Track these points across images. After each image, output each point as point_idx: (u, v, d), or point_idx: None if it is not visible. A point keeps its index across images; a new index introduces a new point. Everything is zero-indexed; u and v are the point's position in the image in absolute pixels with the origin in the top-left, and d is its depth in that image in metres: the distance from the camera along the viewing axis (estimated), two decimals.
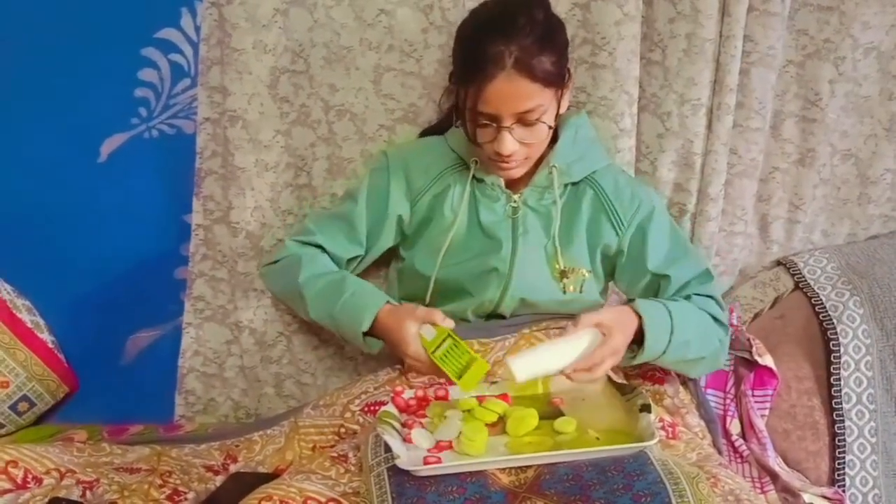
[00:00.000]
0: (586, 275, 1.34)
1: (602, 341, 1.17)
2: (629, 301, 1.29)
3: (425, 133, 1.45)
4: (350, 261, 1.41)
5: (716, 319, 1.33)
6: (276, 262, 1.43)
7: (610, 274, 1.39)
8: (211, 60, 1.44)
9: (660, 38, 1.44)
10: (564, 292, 1.33)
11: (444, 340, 1.24)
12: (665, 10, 1.43)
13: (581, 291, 1.34)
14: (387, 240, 1.40)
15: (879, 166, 1.58)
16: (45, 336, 1.53)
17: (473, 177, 1.34)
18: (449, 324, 1.26)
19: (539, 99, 1.20)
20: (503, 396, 1.20)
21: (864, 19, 1.47)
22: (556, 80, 1.22)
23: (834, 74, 1.49)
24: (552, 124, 1.25)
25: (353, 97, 1.45)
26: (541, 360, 1.16)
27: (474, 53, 1.20)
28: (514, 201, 1.33)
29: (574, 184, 1.35)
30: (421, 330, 1.25)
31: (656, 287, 1.34)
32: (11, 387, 1.47)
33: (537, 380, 1.24)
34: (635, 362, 1.25)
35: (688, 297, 1.33)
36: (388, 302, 1.30)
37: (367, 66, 1.44)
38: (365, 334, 1.30)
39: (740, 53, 1.43)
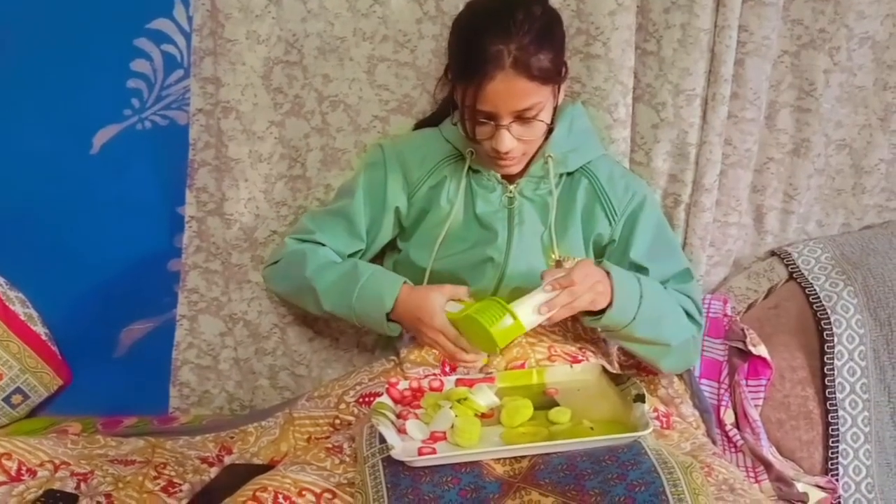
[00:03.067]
0: None
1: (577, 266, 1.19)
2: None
3: (420, 125, 1.45)
4: (351, 256, 1.41)
5: (689, 316, 1.33)
6: (277, 262, 1.42)
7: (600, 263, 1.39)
8: (204, 51, 1.44)
9: (655, 29, 1.44)
10: None
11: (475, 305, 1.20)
12: None
13: None
14: (386, 233, 1.40)
15: (874, 156, 1.58)
16: (39, 328, 1.53)
17: (469, 168, 1.34)
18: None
19: (537, 97, 1.20)
20: (489, 379, 1.20)
21: (859, 9, 1.46)
22: (554, 76, 1.22)
23: (829, 64, 1.49)
24: (549, 121, 1.25)
25: (346, 88, 1.45)
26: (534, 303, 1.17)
27: (472, 52, 1.19)
28: (510, 191, 1.33)
29: (569, 174, 1.35)
30: (447, 306, 1.24)
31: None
32: (5, 379, 1.47)
33: (532, 370, 1.24)
34: (601, 324, 1.22)
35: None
36: (405, 282, 1.29)
37: (361, 56, 1.43)
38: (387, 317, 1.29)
39: (735, 43, 1.43)
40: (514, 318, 1.15)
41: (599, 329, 1.27)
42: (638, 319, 1.23)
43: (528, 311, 1.17)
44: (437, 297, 1.25)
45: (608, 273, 1.21)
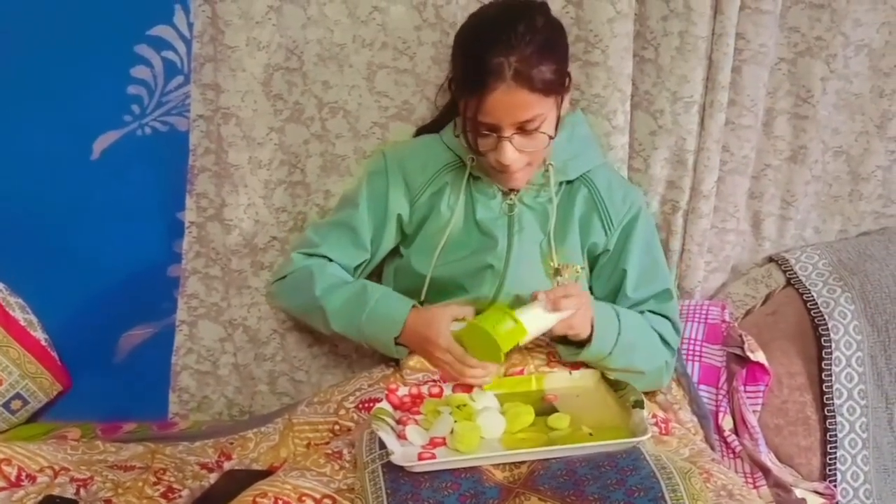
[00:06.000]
0: (580, 271, 1.34)
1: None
2: None
3: (421, 131, 1.45)
4: (356, 267, 1.41)
5: (665, 341, 1.35)
6: (284, 277, 1.42)
7: (591, 271, 1.40)
8: (204, 58, 1.44)
9: (653, 36, 1.45)
10: None
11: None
12: (658, 7, 1.43)
13: None
14: (389, 241, 1.39)
15: (870, 163, 1.59)
16: (38, 334, 1.53)
17: (470, 174, 1.34)
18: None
19: (539, 108, 1.20)
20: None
21: (856, 17, 1.47)
22: (557, 87, 1.22)
23: (825, 72, 1.50)
24: (552, 134, 1.24)
25: (346, 94, 1.45)
26: (538, 318, 1.19)
27: (474, 64, 1.19)
28: (510, 199, 1.33)
29: (569, 182, 1.36)
30: (452, 326, 1.23)
31: (618, 288, 1.36)
32: (4, 385, 1.47)
33: (531, 376, 1.24)
34: (581, 357, 1.25)
35: (641, 313, 1.35)
36: (414, 305, 1.30)
37: (361, 63, 1.44)
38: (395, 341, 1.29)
39: (732, 51, 1.44)
40: (516, 321, 1.16)
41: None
42: (614, 354, 1.26)
43: (530, 317, 1.17)
44: (443, 318, 1.25)
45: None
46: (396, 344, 1.29)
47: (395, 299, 1.31)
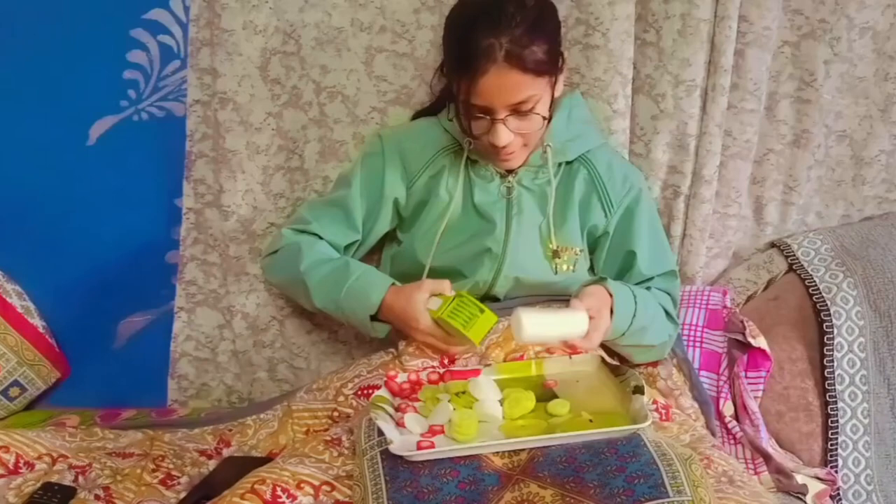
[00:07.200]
0: (579, 254, 1.34)
1: (593, 324, 1.18)
2: (601, 279, 1.29)
3: (418, 115, 1.44)
4: (348, 247, 1.40)
5: (668, 315, 1.36)
6: (274, 252, 1.41)
7: (591, 252, 1.40)
8: (200, 41, 1.43)
9: (654, 19, 1.43)
10: (556, 272, 1.33)
11: (450, 302, 1.20)
12: None
13: (574, 270, 1.34)
14: (383, 224, 1.39)
15: (874, 147, 1.57)
16: (36, 321, 1.52)
17: (467, 158, 1.33)
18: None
19: (532, 89, 1.19)
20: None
21: None
22: (549, 68, 1.21)
23: (829, 55, 1.48)
24: (546, 114, 1.24)
25: (344, 79, 1.44)
26: (549, 325, 1.15)
27: (464, 46, 1.18)
28: (509, 181, 1.32)
29: (568, 163, 1.35)
30: (428, 304, 1.23)
31: (628, 269, 1.36)
32: (2, 372, 1.47)
33: (530, 361, 1.24)
34: None
35: (648, 289, 1.35)
36: (393, 283, 1.29)
37: (359, 47, 1.43)
38: (372, 318, 1.29)
39: (735, 34, 1.42)
40: (485, 312, 1.15)
41: None
42: (627, 335, 1.27)
43: (532, 319, 1.14)
44: (420, 299, 1.23)
45: (610, 294, 1.23)
46: (373, 320, 1.29)
47: (374, 277, 1.31)
